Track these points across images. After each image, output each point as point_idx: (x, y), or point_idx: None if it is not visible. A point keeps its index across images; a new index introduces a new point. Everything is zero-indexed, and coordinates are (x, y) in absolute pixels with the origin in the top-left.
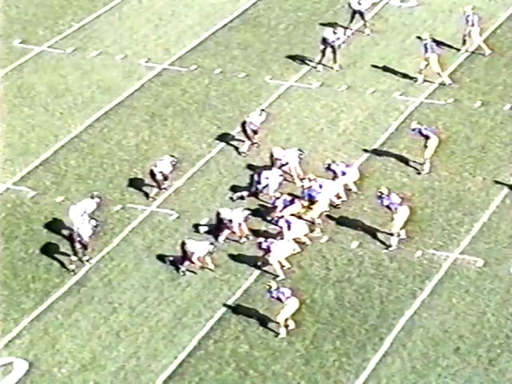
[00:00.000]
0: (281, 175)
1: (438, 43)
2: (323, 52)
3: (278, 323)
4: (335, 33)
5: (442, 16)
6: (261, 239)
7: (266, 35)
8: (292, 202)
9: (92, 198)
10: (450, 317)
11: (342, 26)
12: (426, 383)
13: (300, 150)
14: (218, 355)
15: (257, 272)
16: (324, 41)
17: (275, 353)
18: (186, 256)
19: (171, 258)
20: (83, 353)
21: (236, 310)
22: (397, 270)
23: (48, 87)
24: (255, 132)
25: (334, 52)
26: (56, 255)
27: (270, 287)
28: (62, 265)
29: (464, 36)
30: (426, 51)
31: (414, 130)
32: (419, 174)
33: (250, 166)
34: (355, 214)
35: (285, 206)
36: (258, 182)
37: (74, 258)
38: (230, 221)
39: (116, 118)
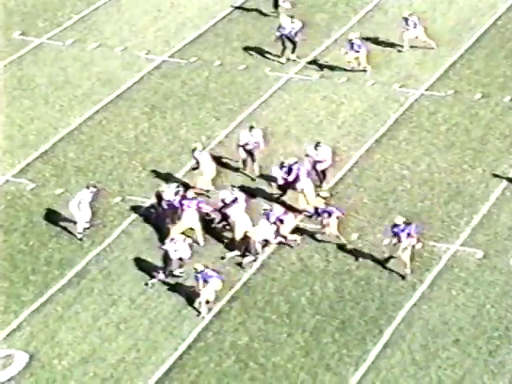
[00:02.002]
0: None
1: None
2: (283, 44)
3: (199, 303)
4: (293, 22)
5: (442, 7)
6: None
7: (266, 27)
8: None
9: (88, 187)
10: (449, 309)
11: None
12: (425, 375)
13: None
14: (218, 347)
15: (256, 264)
16: (279, 28)
17: (275, 345)
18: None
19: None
20: (83, 345)
21: (235, 302)
22: (396, 262)
23: (47, 79)
24: (251, 153)
25: (293, 43)
26: (56, 247)
27: (196, 270)
28: (79, 243)
29: (408, 40)
30: (354, 50)
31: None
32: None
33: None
34: (355, 207)
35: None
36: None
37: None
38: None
39: (115, 110)
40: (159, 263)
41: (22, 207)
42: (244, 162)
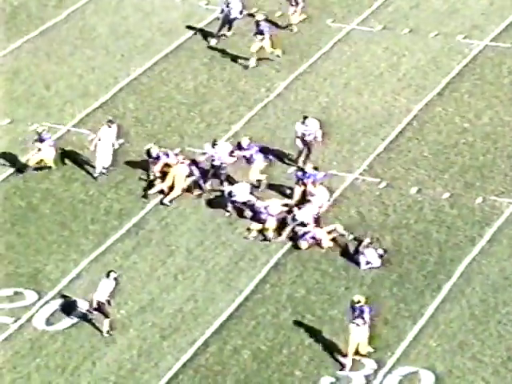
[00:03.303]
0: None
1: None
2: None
3: None
4: (229, 2)
5: None
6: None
7: None
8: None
9: (108, 126)
10: (509, 263)
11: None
12: (485, 330)
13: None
14: (275, 299)
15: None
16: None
17: (332, 298)
18: None
19: None
20: (142, 294)
21: (292, 254)
22: (456, 216)
23: (109, 29)
24: (307, 145)
25: (229, 22)
26: (115, 197)
27: None
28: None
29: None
30: (261, 32)
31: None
32: None
33: (305, 113)
34: (415, 160)
35: None
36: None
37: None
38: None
39: (175, 61)
40: (217, 213)
41: (82, 157)
42: (300, 153)
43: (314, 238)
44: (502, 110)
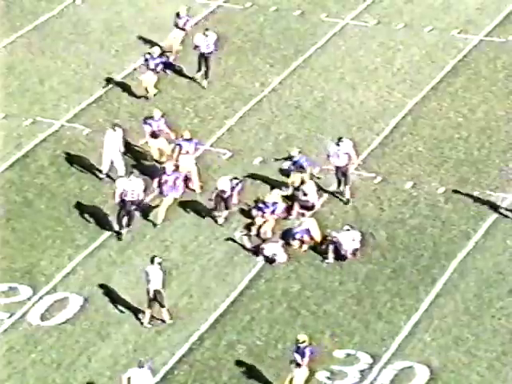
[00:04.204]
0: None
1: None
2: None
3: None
4: (206, 35)
5: None
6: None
7: None
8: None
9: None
10: (504, 258)
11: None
12: (479, 324)
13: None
14: (270, 294)
15: (308, 213)
16: (196, 48)
17: (327, 293)
18: None
19: None
20: (136, 290)
21: (287, 250)
22: (451, 211)
23: (103, 24)
24: (342, 172)
25: (206, 61)
26: (110, 193)
27: None
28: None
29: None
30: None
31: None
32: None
33: (300, 108)
34: (409, 155)
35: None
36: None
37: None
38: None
39: (170, 56)
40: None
41: (77, 152)
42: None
43: (308, 235)
44: (496, 105)
